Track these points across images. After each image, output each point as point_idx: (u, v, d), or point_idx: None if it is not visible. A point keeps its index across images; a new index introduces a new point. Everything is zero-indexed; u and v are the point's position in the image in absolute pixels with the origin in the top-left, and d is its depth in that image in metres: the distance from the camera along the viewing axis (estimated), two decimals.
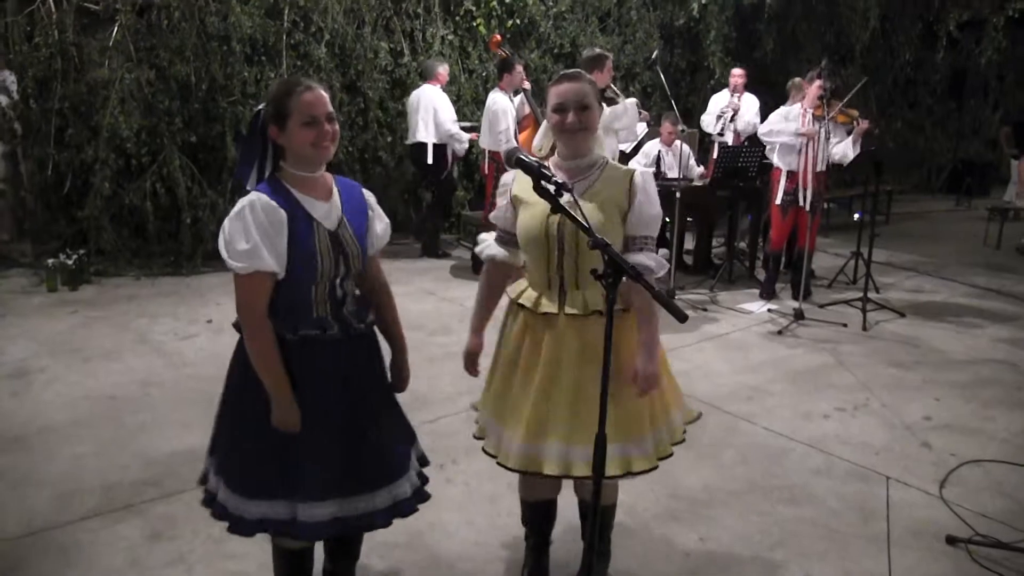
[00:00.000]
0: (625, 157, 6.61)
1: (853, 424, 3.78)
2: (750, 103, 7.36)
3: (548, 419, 2.07)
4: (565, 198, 1.77)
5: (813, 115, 5.60)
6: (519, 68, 6.29)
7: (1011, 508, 3.01)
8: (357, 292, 2.07)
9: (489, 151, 6.35)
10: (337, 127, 1.92)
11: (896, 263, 7.42)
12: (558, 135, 2.11)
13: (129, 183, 6.18)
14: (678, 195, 5.65)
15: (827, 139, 5.52)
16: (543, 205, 1.80)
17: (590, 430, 1.75)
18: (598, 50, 5.33)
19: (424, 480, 2.17)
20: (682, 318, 1.63)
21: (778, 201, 5.81)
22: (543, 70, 8.13)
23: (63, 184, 6.12)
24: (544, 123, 2.35)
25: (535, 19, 8.06)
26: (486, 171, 6.54)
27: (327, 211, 1.93)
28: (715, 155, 7.12)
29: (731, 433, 3.65)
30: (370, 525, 2.03)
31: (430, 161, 6.74)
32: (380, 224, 2.08)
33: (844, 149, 5.69)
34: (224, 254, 1.83)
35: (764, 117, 6.32)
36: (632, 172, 2.14)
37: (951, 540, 2.74)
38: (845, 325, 5.29)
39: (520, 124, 6.33)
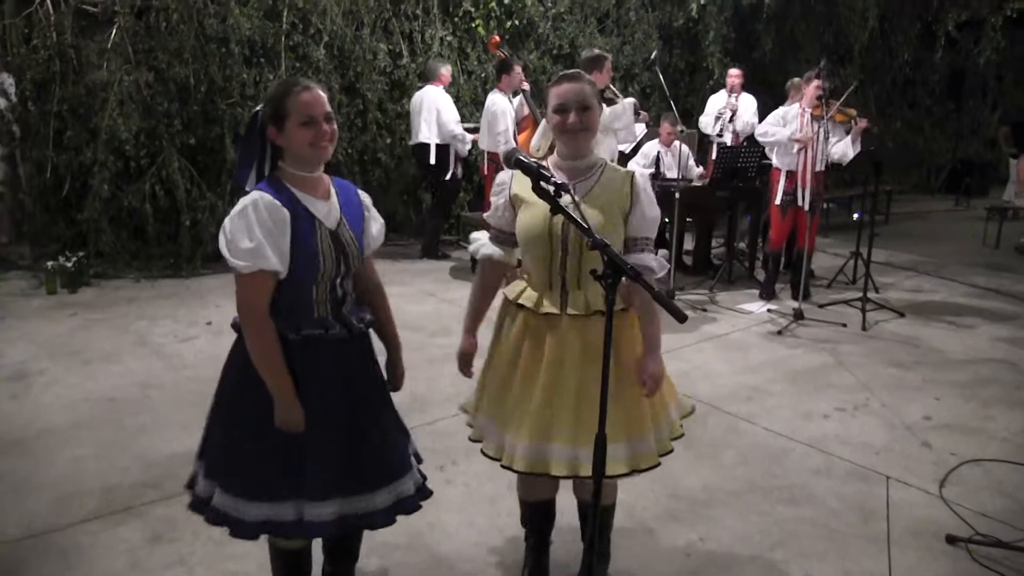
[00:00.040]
0: (624, 158, 6.62)
1: (853, 424, 3.78)
2: (748, 103, 7.37)
3: (553, 420, 2.07)
4: (564, 199, 1.78)
5: (811, 115, 5.61)
6: (518, 69, 6.29)
7: (1011, 507, 3.01)
8: (353, 293, 2.07)
9: (488, 152, 6.35)
10: (335, 127, 1.92)
11: (895, 263, 7.43)
12: (559, 135, 2.11)
13: (128, 185, 6.18)
14: (677, 196, 5.65)
15: (826, 139, 5.52)
16: (545, 205, 1.80)
17: (596, 430, 1.76)
18: (597, 51, 5.34)
19: (424, 477, 2.17)
20: (681, 318, 1.64)
21: (777, 201, 5.82)
22: (542, 71, 8.14)
23: (62, 186, 6.11)
24: (542, 124, 2.36)
25: (534, 20, 8.07)
26: (485, 172, 6.54)
27: (327, 211, 1.94)
28: (714, 155, 7.13)
29: (731, 433, 3.65)
30: (372, 524, 2.02)
31: (433, 162, 6.74)
32: (375, 225, 2.09)
33: (843, 148, 5.69)
34: (226, 253, 1.81)
35: (763, 117, 6.32)
36: (632, 174, 2.17)
37: (951, 539, 2.74)
38: (845, 325, 5.29)
39: (519, 125, 6.33)
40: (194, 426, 3.34)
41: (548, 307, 2.10)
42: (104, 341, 4.69)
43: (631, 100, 5.30)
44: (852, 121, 5.79)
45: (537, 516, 2.44)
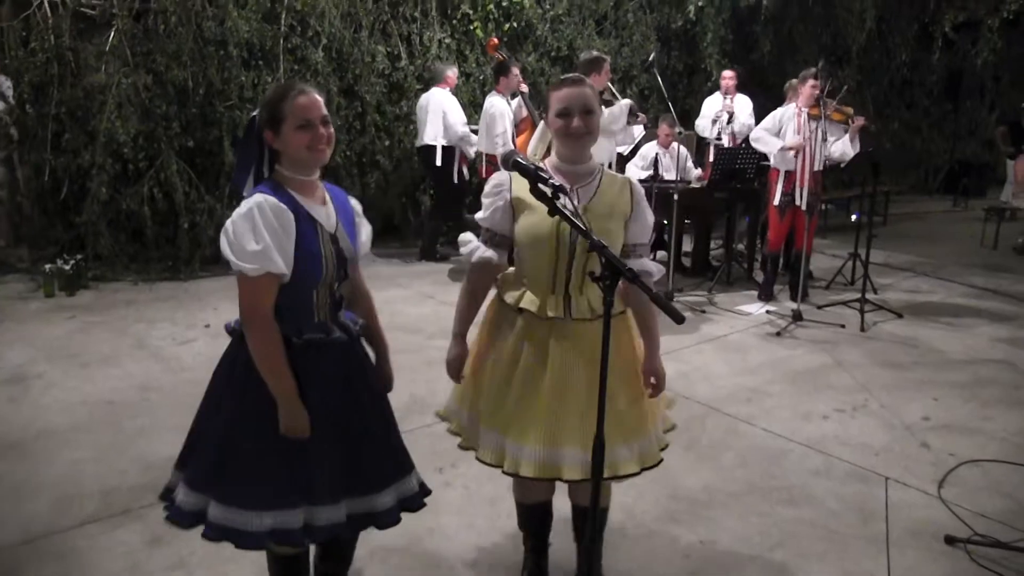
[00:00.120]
0: (622, 159, 6.63)
1: (852, 425, 3.78)
2: (743, 104, 7.37)
3: (562, 425, 2.06)
4: (562, 201, 1.78)
5: (809, 114, 5.62)
6: (516, 71, 6.30)
7: (1010, 508, 3.01)
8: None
9: (486, 154, 6.35)
10: (332, 130, 1.92)
11: (894, 264, 7.43)
12: (562, 139, 2.11)
13: (126, 188, 6.18)
14: (676, 197, 5.65)
15: (824, 139, 5.53)
16: None
17: (607, 433, 1.78)
18: (595, 53, 5.35)
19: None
20: (679, 319, 1.66)
21: (776, 202, 5.83)
22: (540, 73, 8.14)
23: (60, 189, 6.11)
24: (540, 126, 2.36)
25: (532, 22, 8.07)
26: (483, 174, 6.54)
27: (325, 215, 1.94)
28: (711, 157, 7.14)
29: (730, 434, 3.65)
30: (379, 523, 2.02)
31: (439, 164, 6.75)
32: (365, 231, 2.09)
33: (842, 147, 5.70)
34: (230, 255, 1.78)
35: (760, 119, 6.33)
36: (628, 180, 2.20)
37: (950, 540, 2.74)
38: (843, 326, 5.29)
39: (517, 127, 6.34)
40: None
41: (552, 311, 2.09)
42: (102, 344, 4.68)
43: (627, 102, 5.31)
44: (849, 120, 5.80)
45: (535, 518, 2.44)
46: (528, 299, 2.12)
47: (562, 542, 2.54)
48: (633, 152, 6.73)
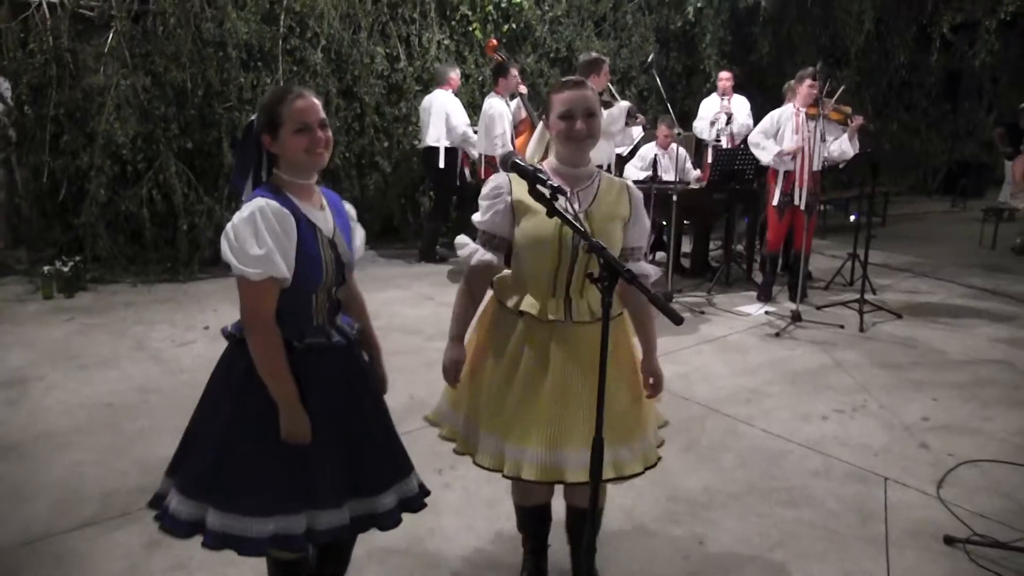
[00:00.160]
0: (621, 161, 6.64)
1: (851, 425, 3.78)
2: (740, 105, 7.38)
3: (565, 428, 2.06)
4: (561, 202, 1.78)
5: (807, 114, 5.62)
6: (515, 72, 6.31)
7: (1009, 508, 3.01)
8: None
9: (485, 156, 6.36)
10: (330, 134, 1.91)
11: (892, 264, 7.44)
12: (564, 142, 2.10)
13: (125, 190, 6.17)
14: (675, 198, 5.66)
15: (822, 139, 5.53)
16: None
17: (608, 434, 1.79)
18: (594, 54, 5.35)
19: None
20: (677, 320, 1.67)
21: (775, 202, 5.83)
22: (539, 74, 8.15)
23: (58, 191, 6.10)
24: (539, 128, 2.35)
25: (531, 23, 8.08)
26: (483, 175, 6.54)
27: (324, 219, 1.93)
28: (710, 158, 7.15)
29: (730, 435, 3.65)
30: (381, 525, 2.02)
31: (441, 165, 6.76)
32: (359, 236, 2.08)
33: (842, 146, 5.70)
34: (232, 259, 1.76)
35: (758, 120, 6.33)
36: (626, 183, 2.21)
37: (949, 540, 2.74)
38: (842, 327, 5.30)
39: (516, 128, 6.34)
40: None
41: (553, 314, 2.09)
42: (101, 346, 4.68)
43: (625, 103, 5.31)
44: (848, 119, 5.81)
45: (534, 520, 2.44)
46: (528, 302, 2.11)
47: (561, 543, 2.54)
48: (632, 153, 6.74)
